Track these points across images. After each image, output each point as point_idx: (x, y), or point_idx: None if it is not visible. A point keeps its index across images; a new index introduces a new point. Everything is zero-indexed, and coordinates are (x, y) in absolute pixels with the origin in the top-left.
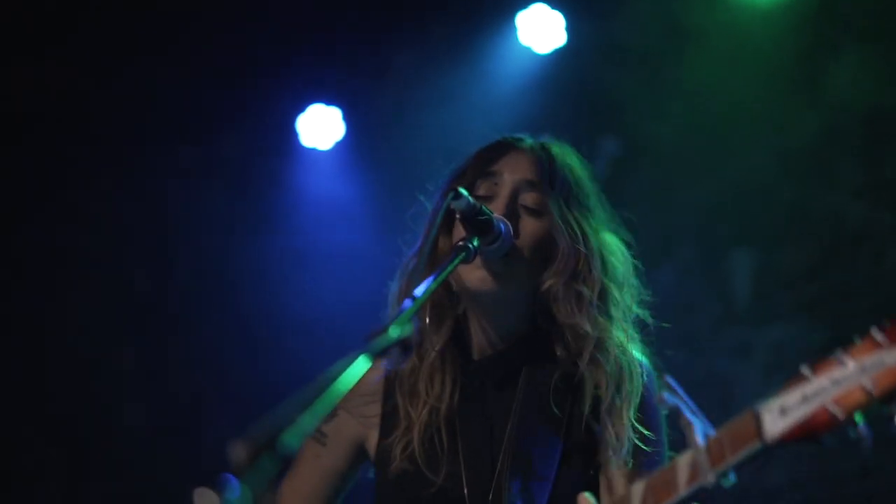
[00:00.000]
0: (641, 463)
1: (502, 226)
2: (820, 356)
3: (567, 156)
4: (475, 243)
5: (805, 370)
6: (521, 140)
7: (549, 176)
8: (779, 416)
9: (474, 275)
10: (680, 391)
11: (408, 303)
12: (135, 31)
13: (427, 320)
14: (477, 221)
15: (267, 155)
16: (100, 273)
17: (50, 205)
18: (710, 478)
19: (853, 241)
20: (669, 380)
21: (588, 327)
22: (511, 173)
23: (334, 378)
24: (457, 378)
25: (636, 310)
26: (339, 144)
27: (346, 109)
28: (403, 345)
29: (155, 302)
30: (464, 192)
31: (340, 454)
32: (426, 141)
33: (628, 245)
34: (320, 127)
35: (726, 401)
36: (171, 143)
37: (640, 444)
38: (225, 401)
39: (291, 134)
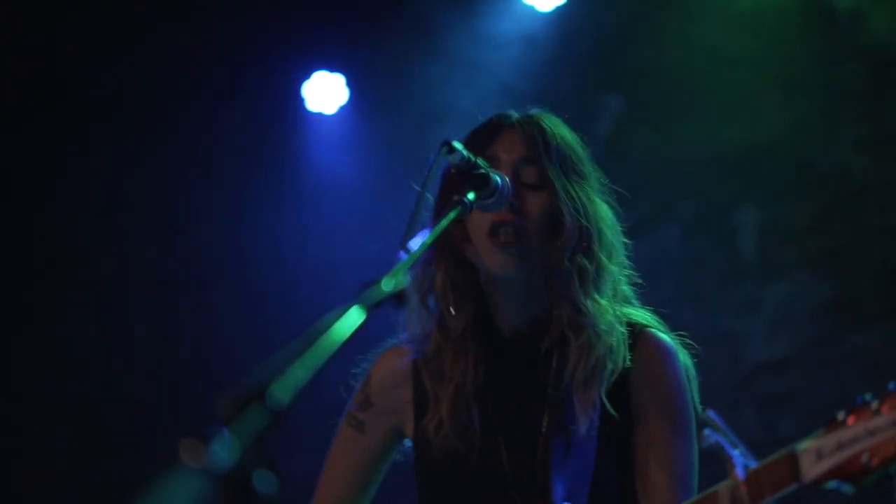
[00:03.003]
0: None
1: (499, 179)
2: (853, 404)
3: (557, 126)
4: (471, 198)
5: (840, 416)
6: (508, 117)
7: (544, 148)
8: (815, 459)
9: (495, 259)
10: (721, 424)
11: (402, 256)
12: (137, 4)
13: (449, 302)
14: (472, 175)
15: (273, 122)
16: (108, 247)
17: (58, 181)
18: None
19: (858, 195)
20: (711, 414)
21: (588, 304)
22: (507, 153)
23: (325, 330)
24: (482, 355)
25: (623, 286)
26: (343, 109)
27: (350, 75)
28: (397, 297)
29: (164, 274)
30: (458, 145)
31: (377, 441)
32: (430, 103)
33: (617, 215)
34: (325, 93)
35: (734, 356)
36: (176, 113)
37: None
38: (234, 373)
39: (297, 100)
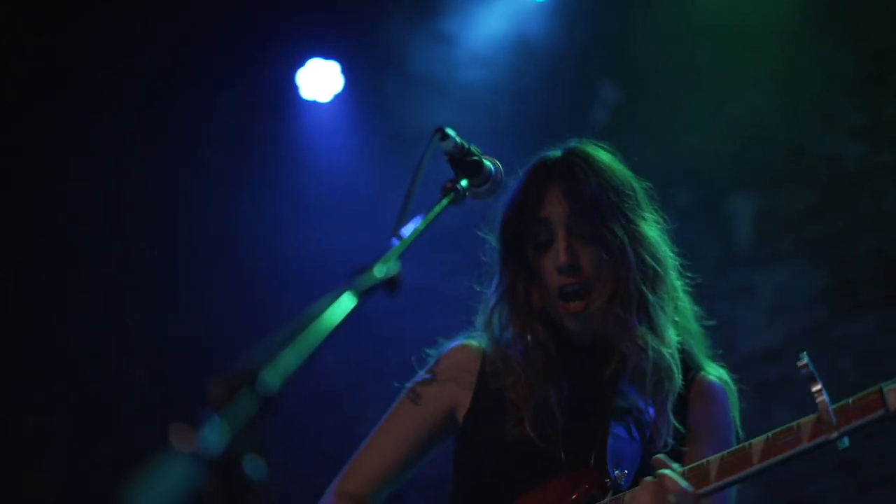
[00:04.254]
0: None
1: (492, 167)
2: None
3: (599, 166)
4: (464, 185)
5: None
6: (550, 171)
7: (589, 201)
8: None
9: (570, 322)
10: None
11: (394, 242)
12: None
13: (528, 344)
14: (465, 163)
15: (268, 110)
16: (103, 234)
17: (53, 172)
18: (834, 435)
19: (853, 182)
20: (805, 357)
21: (646, 335)
22: (555, 212)
23: (317, 315)
24: (560, 371)
25: (682, 301)
26: (338, 97)
27: (344, 63)
28: (388, 284)
29: (160, 265)
30: (451, 132)
31: (430, 414)
32: (425, 90)
33: (669, 229)
34: (319, 81)
35: (728, 343)
36: (171, 99)
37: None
38: (231, 358)
39: (292, 88)
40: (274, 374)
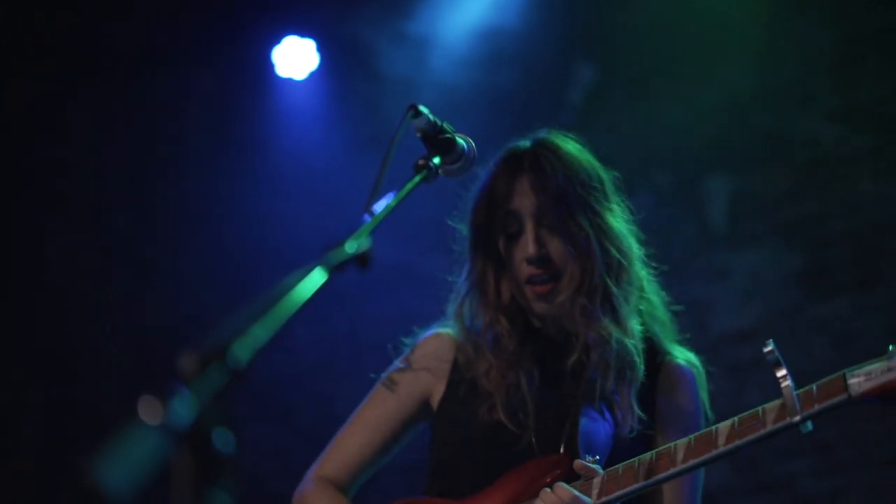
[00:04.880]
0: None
1: (464, 144)
2: None
3: (564, 154)
4: (436, 162)
5: (892, 347)
6: (521, 157)
7: (556, 193)
8: (864, 380)
9: (537, 305)
10: (777, 353)
11: (366, 218)
12: None
13: (501, 332)
14: (438, 140)
15: (243, 88)
16: (79, 209)
17: (29, 147)
18: (797, 419)
19: (830, 164)
20: (772, 344)
21: (591, 334)
22: (524, 204)
23: (288, 290)
24: (530, 358)
25: (648, 290)
26: (313, 75)
27: (320, 40)
28: (359, 259)
29: (135, 239)
30: (424, 109)
31: (405, 401)
32: (401, 67)
33: (636, 219)
34: (295, 58)
35: (702, 324)
36: (147, 77)
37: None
38: (206, 333)
39: (267, 65)
40: (244, 348)
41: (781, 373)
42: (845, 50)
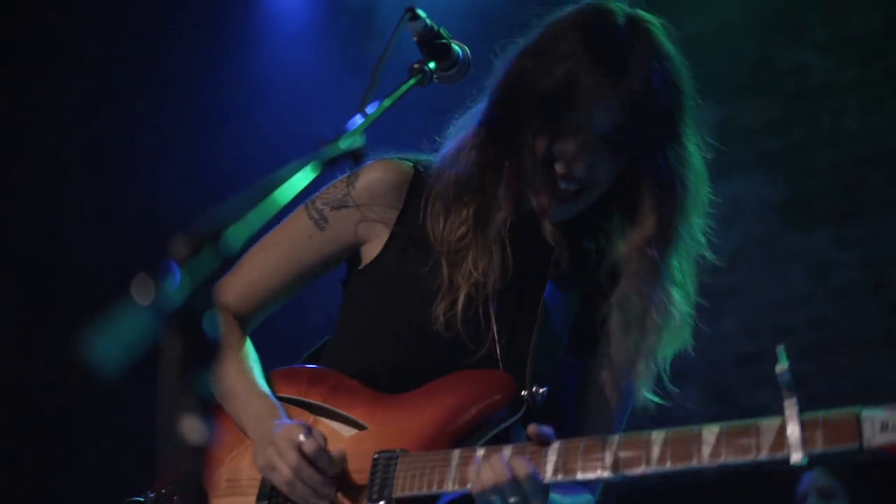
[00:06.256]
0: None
1: (459, 51)
2: None
3: (669, 63)
4: (431, 67)
5: None
6: (615, 55)
7: (640, 117)
8: (880, 430)
9: (541, 203)
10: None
11: (359, 118)
12: None
13: (491, 197)
14: (434, 45)
15: None
16: (60, 111)
17: (10, 44)
18: (795, 456)
19: (816, 96)
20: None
21: (651, 295)
22: (602, 122)
23: (281, 181)
24: (507, 256)
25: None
26: None
27: None
28: (352, 155)
29: (115, 139)
30: (421, 13)
31: (332, 244)
32: None
33: (706, 158)
34: None
35: None
36: None
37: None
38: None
39: None
40: (236, 235)
41: (790, 400)
42: None
